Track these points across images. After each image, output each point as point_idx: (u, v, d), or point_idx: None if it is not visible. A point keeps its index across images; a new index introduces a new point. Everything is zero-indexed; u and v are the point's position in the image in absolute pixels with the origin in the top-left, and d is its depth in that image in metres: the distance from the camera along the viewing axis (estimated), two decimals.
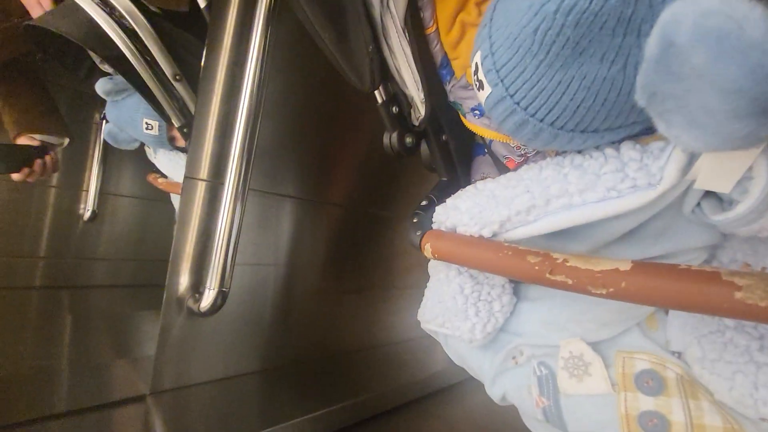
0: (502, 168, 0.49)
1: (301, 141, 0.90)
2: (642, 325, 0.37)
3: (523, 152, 0.46)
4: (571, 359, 0.38)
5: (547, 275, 0.36)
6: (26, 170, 1.08)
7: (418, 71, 0.46)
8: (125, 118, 1.13)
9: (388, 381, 1.01)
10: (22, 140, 1.11)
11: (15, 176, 1.08)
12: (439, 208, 0.47)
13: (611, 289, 0.32)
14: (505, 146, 0.47)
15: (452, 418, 0.96)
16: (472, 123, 0.47)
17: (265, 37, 0.71)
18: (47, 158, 1.12)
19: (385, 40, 0.45)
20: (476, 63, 0.34)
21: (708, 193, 0.31)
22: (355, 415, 0.88)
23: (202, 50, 0.83)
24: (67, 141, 1.21)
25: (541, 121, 0.32)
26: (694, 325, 0.34)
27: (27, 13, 0.95)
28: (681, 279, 0.30)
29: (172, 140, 1.16)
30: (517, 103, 0.32)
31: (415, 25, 0.45)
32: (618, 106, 0.30)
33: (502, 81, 0.32)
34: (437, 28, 0.45)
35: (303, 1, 0.41)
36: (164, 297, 0.72)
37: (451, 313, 0.48)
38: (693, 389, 0.34)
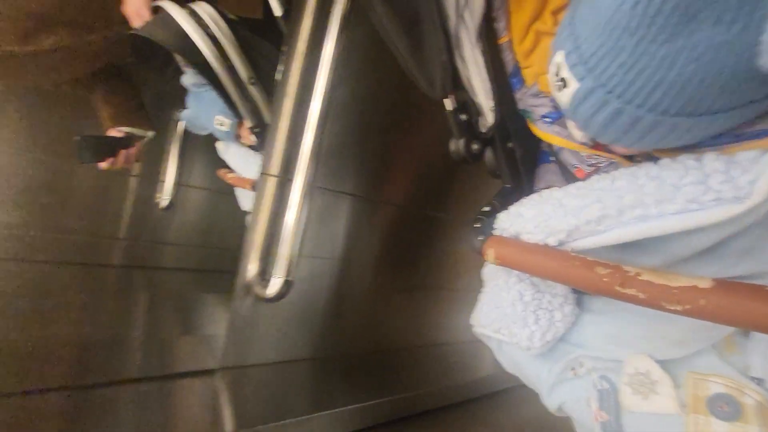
0: (569, 177, 0.49)
1: (365, 141, 0.94)
2: (718, 347, 0.36)
3: (593, 162, 0.45)
4: (636, 376, 0.38)
5: (617, 288, 0.36)
6: (111, 160, 1.19)
7: (490, 80, 0.47)
8: (202, 110, 1.23)
9: (434, 381, 1.02)
10: (112, 132, 1.24)
11: (101, 165, 1.20)
12: (502, 215, 0.47)
13: (688, 306, 0.31)
14: (574, 155, 0.47)
15: (498, 424, 0.95)
16: (541, 130, 0.47)
17: (338, 45, 0.76)
18: (131, 150, 1.24)
19: (458, 50, 0.46)
20: (557, 63, 0.33)
21: None
22: (401, 410, 0.90)
23: (277, 56, 0.89)
24: (151, 134, 1.32)
25: (640, 106, 0.29)
26: None
27: (126, 21, 1.07)
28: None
29: (238, 138, 1.25)
30: (610, 92, 0.29)
31: (489, 36, 0.46)
32: (735, 78, 0.26)
33: (591, 71, 0.30)
34: (510, 39, 0.46)
35: (381, 12, 0.43)
36: (235, 282, 0.79)
37: (509, 320, 0.48)
38: None
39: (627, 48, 0.27)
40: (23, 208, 1.40)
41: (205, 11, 0.99)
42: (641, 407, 0.37)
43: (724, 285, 0.30)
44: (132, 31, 0.94)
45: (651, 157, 0.37)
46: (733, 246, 0.33)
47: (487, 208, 0.54)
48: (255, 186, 0.90)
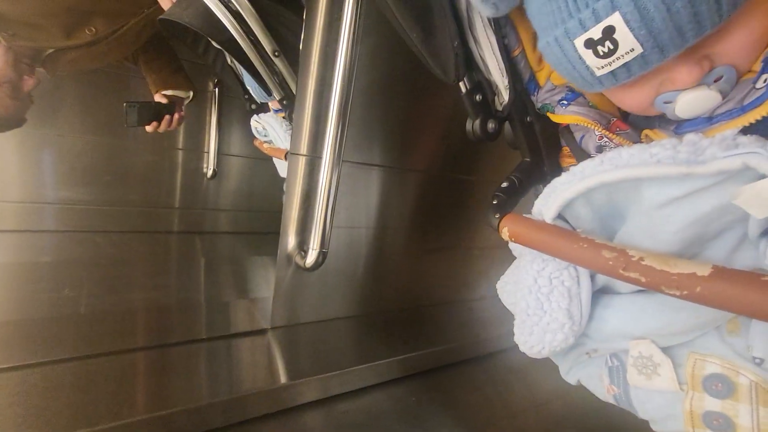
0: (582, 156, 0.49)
1: (386, 112, 0.94)
2: (721, 329, 0.37)
3: (603, 144, 0.46)
4: (640, 359, 0.40)
5: (621, 271, 0.38)
6: (155, 124, 1.28)
7: (502, 59, 0.47)
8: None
9: (467, 333, 1.09)
10: (158, 97, 1.32)
11: (147, 128, 1.29)
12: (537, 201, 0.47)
13: (685, 292, 0.33)
14: (590, 135, 0.47)
15: (527, 371, 1.01)
16: (559, 114, 0.47)
17: (356, 17, 0.75)
18: (175, 114, 1.32)
19: (471, 31, 0.46)
20: (603, 28, 0.32)
21: None
22: (436, 361, 0.98)
23: (299, 25, 0.89)
24: (191, 94, 1.39)
25: None
26: None
27: (155, 3, 1.10)
28: (764, 290, 0.29)
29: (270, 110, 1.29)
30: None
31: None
32: None
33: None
34: (523, 49, 0.46)
35: (392, 3, 0.43)
36: (278, 254, 0.87)
37: (522, 310, 0.50)
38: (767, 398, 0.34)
39: None
40: (89, 186, 1.56)
41: None
42: (646, 385, 0.40)
43: (721, 272, 0.31)
44: (160, 17, 0.97)
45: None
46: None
47: (505, 184, 0.56)
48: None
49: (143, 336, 0.84)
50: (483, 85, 0.50)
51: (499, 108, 0.52)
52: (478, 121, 0.52)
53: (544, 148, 0.56)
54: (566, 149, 0.55)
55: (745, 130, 0.33)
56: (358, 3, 0.71)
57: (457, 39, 0.45)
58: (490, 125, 0.53)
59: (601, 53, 0.33)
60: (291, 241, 0.86)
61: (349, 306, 1.03)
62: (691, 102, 0.35)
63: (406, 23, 0.44)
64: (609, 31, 0.32)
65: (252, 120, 1.33)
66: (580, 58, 0.35)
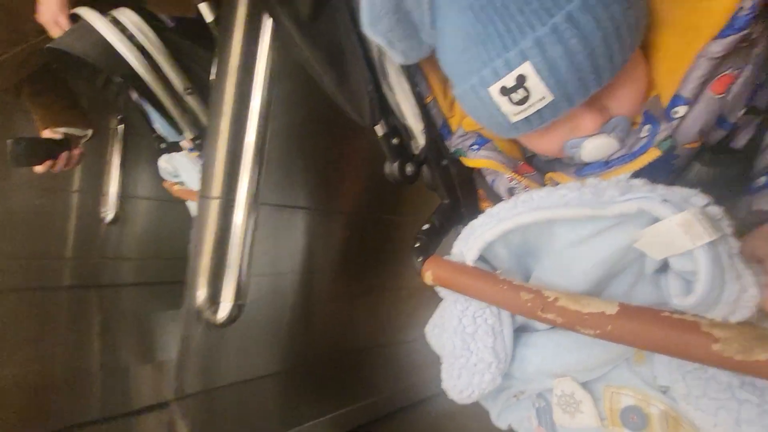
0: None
1: (307, 153, 0.92)
2: (629, 360, 0.39)
3: (512, 186, 0.48)
4: (563, 397, 0.41)
5: (539, 312, 0.38)
6: (49, 163, 1.11)
7: (417, 104, 0.48)
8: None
9: (399, 379, 1.06)
10: (46, 134, 1.15)
11: (38, 168, 1.12)
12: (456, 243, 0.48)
13: (598, 331, 0.34)
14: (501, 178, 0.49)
15: (464, 417, 1.00)
16: (471, 158, 0.48)
17: (272, 53, 0.73)
18: (73, 151, 1.16)
19: (384, 78, 0.46)
20: (516, 77, 0.33)
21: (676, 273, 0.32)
22: (370, 414, 0.92)
23: (211, 62, 0.85)
24: (90, 132, 1.24)
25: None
26: (679, 362, 0.36)
27: (43, 31, 0.98)
28: (662, 326, 0.31)
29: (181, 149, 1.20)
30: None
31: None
32: None
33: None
34: (434, 97, 0.48)
35: (305, 47, 0.42)
36: (183, 309, 0.77)
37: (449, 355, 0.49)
38: (676, 426, 0.35)
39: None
40: None
41: (129, 19, 0.92)
42: (570, 424, 0.40)
43: (627, 310, 0.33)
44: (48, 45, 0.86)
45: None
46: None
47: (426, 227, 0.56)
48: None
49: (13, 425, 0.68)
50: (399, 129, 0.51)
51: (416, 152, 0.53)
52: (396, 164, 0.52)
53: (460, 190, 0.58)
54: (481, 191, 0.57)
55: (636, 174, 0.37)
56: (272, 43, 0.70)
57: (371, 84, 0.45)
58: (408, 168, 0.53)
59: (516, 100, 0.35)
60: (200, 294, 0.77)
61: (275, 360, 0.94)
62: (596, 147, 0.39)
63: (320, 67, 0.43)
64: (521, 80, 0.34)
65: (160, 160, 1.22)
66: (496, 105, 0.36)
